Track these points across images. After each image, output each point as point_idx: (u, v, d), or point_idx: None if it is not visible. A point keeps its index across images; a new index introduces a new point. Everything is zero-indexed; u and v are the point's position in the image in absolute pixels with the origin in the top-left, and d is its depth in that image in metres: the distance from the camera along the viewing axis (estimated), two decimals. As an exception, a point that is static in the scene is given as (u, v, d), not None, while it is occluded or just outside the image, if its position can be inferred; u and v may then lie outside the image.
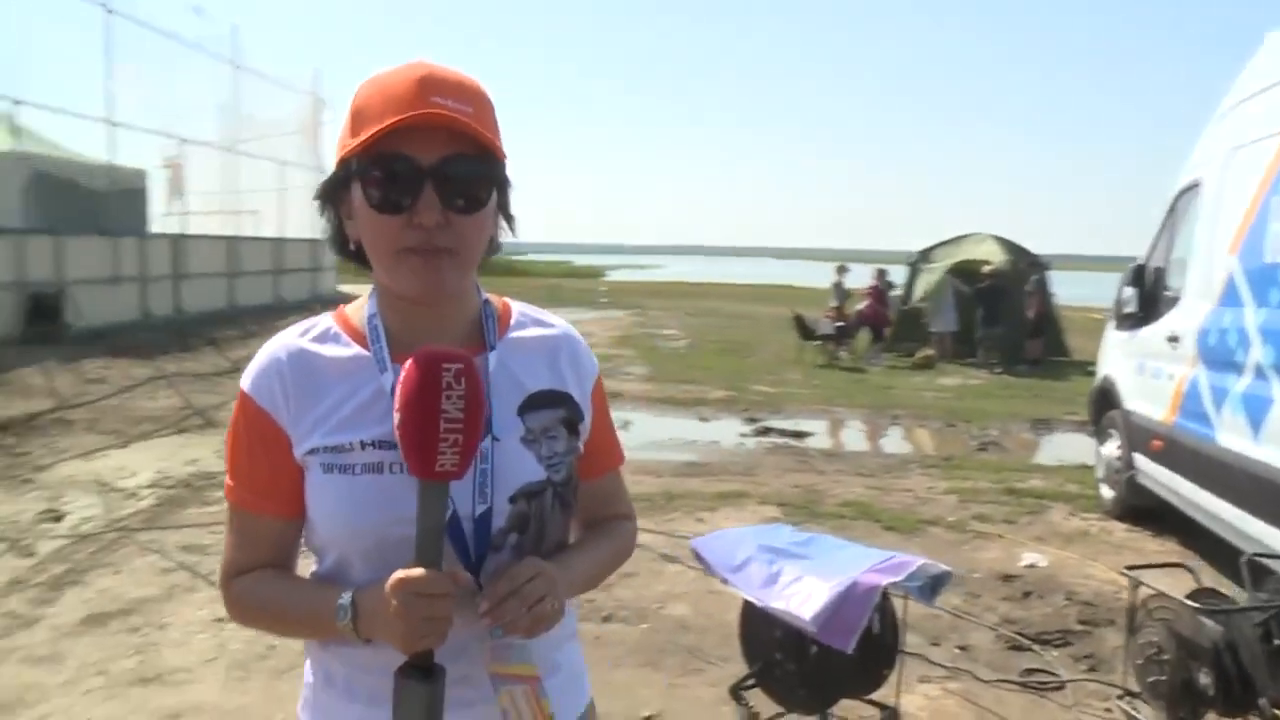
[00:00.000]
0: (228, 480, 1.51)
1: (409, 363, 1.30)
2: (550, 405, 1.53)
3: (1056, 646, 5.18)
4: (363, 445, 1.38)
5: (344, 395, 1.41)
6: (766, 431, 11.58)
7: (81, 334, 14.52)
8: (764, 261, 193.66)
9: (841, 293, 20.13)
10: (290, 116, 25.54)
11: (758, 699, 3.74)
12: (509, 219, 1.50)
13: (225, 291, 19.99)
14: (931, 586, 3.47)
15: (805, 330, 19.23)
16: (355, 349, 1.47)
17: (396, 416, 1.29)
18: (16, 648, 4.95)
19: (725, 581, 3.74)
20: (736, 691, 3.76)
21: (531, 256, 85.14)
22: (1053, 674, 4.82)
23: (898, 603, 3.66)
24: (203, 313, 18.56)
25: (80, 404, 11.82)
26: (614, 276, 67.26)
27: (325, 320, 1.53)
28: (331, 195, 1.45)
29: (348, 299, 1.60)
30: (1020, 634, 5.31)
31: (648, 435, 11.08)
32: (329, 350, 1.47)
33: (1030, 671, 4.85)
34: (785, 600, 3.47)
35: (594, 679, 1.73)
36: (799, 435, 11.43)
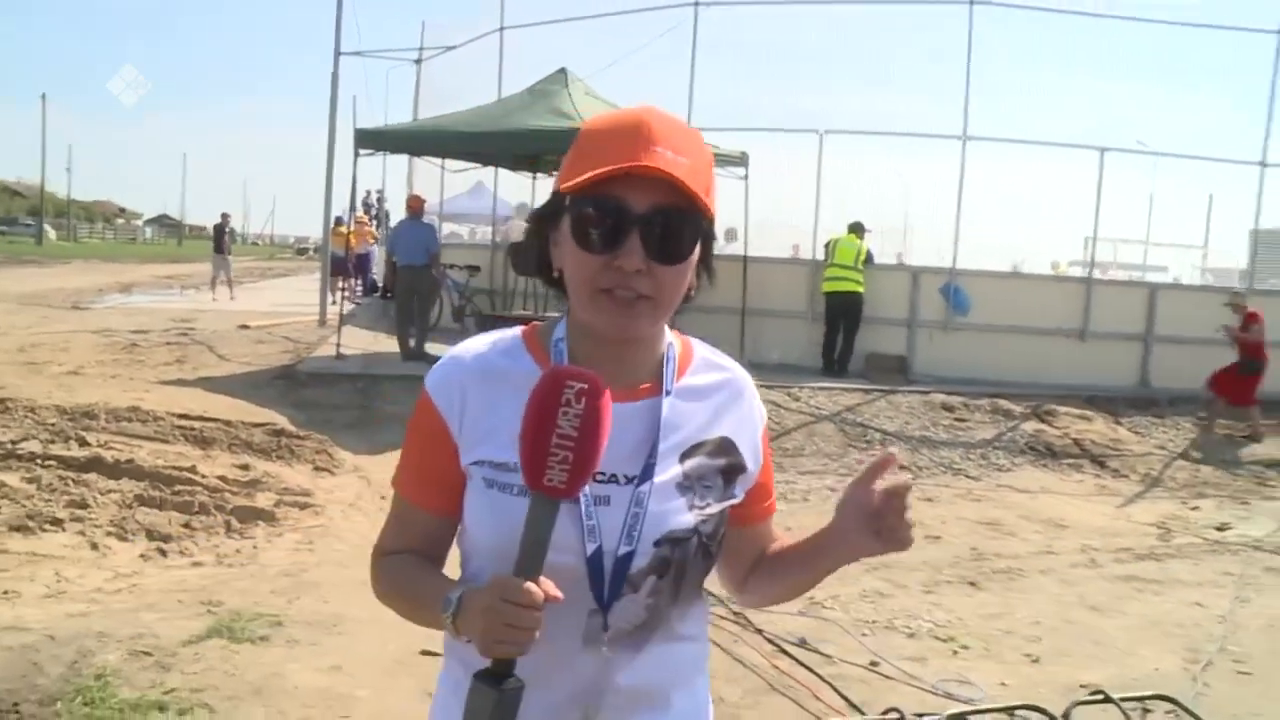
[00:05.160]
0: (397, 469, 1.61)
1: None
2: (713, 453, 1.57)
3: None
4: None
5: (516, 411, 1.34)
6: None
7: None
8: None
9: None
10: None
11: None
12: (710, 271, 1.54)
13: None
14: None
15: None
16: (536, 368, 1.49)
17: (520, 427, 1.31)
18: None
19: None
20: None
21: None
22: None
23: None
24: None
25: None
26: None
27: (514, 336, 1.58)
28: (542, 222, 1.52)
29: None
30: None
31: None
32: (510, 365, 1.53)
33: None
34: None
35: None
36: None
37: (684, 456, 1.54)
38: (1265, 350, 12.78)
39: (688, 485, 1.53)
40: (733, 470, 1.58)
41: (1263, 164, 14.94)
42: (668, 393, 1.55)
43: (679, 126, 1.45)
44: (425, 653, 4.88)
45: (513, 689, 1.30)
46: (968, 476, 10.53)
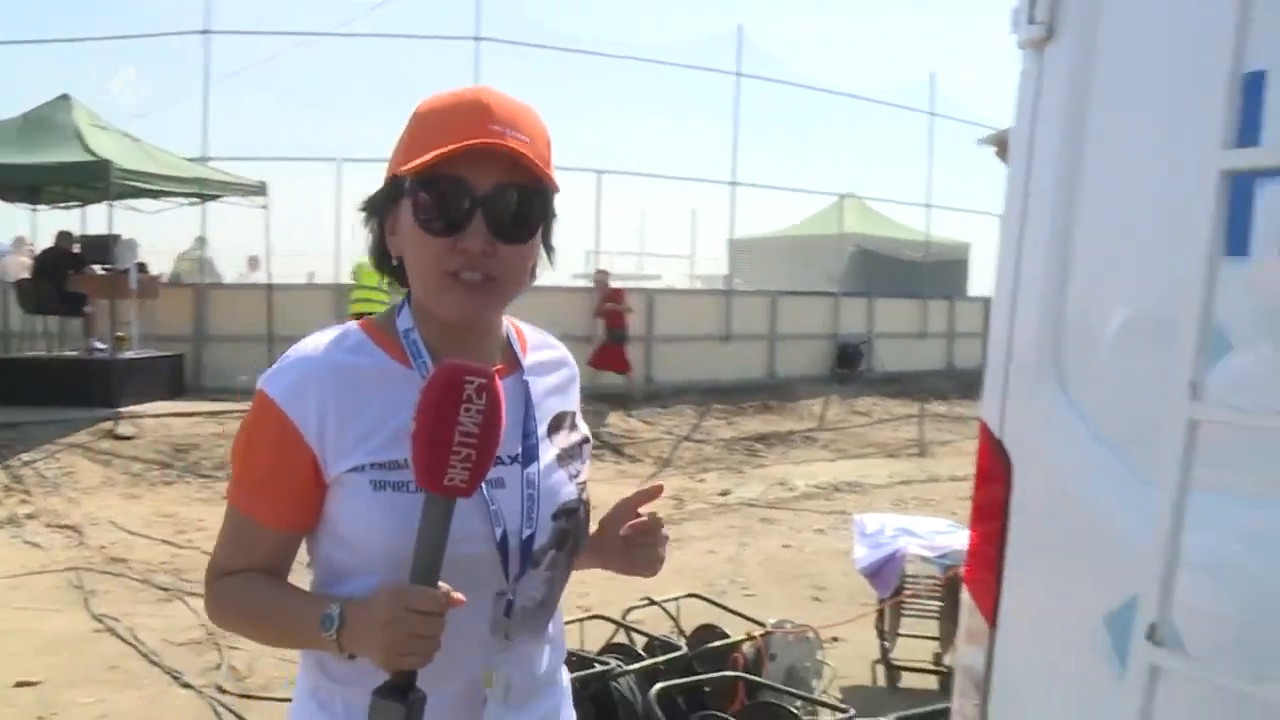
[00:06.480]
0: (234, 483, 1.47)
1: (432, 372, 1.29)
2: (571, 426, 1.59)
3: None
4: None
5: (387, 409, 1.36)
6: None
7: (878, 378, 17.99)
8: None
9: None
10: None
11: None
12: (549, 251, 1.51)
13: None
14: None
15: None
16: (392, 361, 1.44)
17: (412, 425, 1.25)
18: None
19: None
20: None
21: None
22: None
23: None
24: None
25: (833, 428, 15.13)
26: None
27: (353, 332, 1.48)
28: (378, 209, 1.47)
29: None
30: None
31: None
32: (366, 362, 1.44)
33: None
34: (861, 551, 5.24)
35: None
36: None
37: (550, 431, 1.55)
38: (625, 321, 14.86)
39: (562, 458, 1.54)
40: (584, 442, 1.63)
41: (733, 183, 17.36)
42: (526, 371, 1.55)
43: (517, 104, 1.43)
44: (20, 684, 4.79)
45: (418, 700, 1.24)
46: (504, 473, 11.29)
